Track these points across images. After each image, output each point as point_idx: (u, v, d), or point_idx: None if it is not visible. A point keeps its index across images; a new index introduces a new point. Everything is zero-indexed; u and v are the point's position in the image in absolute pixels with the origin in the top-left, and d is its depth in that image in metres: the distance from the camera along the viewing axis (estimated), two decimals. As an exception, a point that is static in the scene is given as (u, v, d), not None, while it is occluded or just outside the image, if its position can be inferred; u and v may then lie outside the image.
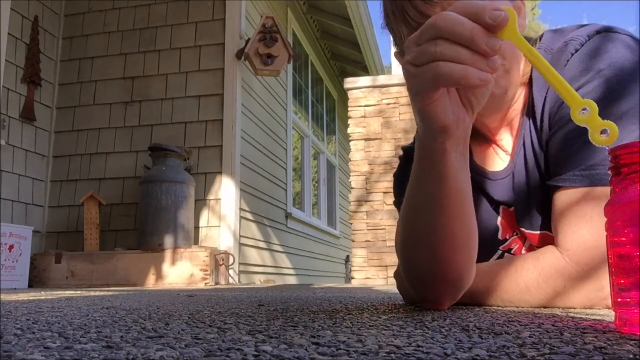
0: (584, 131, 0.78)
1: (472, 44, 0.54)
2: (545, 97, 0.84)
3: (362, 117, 4.71)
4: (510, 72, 0.83)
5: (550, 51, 0.86)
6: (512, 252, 0.95)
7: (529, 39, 0.91)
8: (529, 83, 0.88)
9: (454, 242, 0.72)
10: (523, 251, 0.93)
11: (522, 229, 0.90)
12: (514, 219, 0.91)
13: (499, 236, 0.95)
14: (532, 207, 0.88)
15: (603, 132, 0.49)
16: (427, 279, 0.78)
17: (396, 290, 1.10)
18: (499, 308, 0.82)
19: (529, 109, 0.88)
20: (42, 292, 2.21)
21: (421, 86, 0.59)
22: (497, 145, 0.95)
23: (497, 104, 0.86)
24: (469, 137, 0.68)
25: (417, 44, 0.58)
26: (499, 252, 0.96)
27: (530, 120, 0.87)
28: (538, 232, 0.88)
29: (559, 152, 0.81)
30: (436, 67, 0.56)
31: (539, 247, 0.86)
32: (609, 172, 0.51)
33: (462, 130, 0.65)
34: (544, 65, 0.52)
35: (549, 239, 0.84)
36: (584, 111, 0.50)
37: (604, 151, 0.75)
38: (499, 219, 0.94)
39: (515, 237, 0.94)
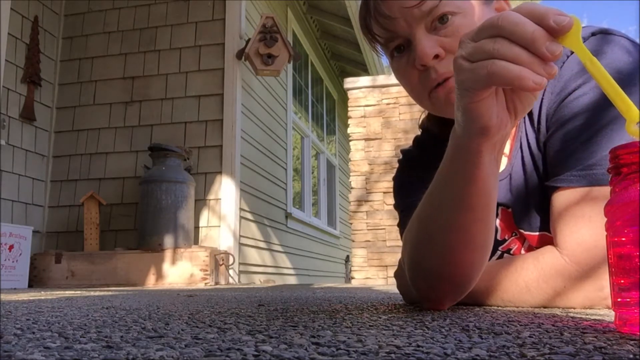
0: (581, 132, 0.79)
1: (533, 45, 0.52)
2: (542, 98, 0.84)
3: (362, 117, 4.71)
4: None
5: None
6: (511, 252, 0.95)
7: None
8: None
9: (471, 244, 0.72)
10: (522, 252, 0.93)
11: (521, 231, 0.90)
12: (512, 220, 0.91)
13: (498, 237, 0.95)
14: (531, 208, 0.88)
15: None
16: (434, 278, 0.78)
17: (396, 290, 1.10)
18: (499, 308, 0.82)
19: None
20: (42, 292, 2.21)
21: (472, 83, 0.57)
22: None
23: None
24: (505, 144, 0.67)
25: (474, 40, 0.56)
26: (499, 252, 0.96)
27: (528, 122, 0.87)
28: (537, 233, 0.88)
29: (556, 152, 0.81)
30: (492, 64, 0.54)
31: (539, 248, 0.86)
32: (609, 172, 0.51)
33: (501, 136, 0.64)
34: (603, 76, 0.50)
35: (548, 240, 0.84)
36: None
37: (602, 151, 0.76)
38: (497, 220, 0.94)
39: (514, 237, 0.94)
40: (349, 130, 4.74)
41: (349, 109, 4.77)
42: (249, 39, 4.37)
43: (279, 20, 4.70)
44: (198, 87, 4.39)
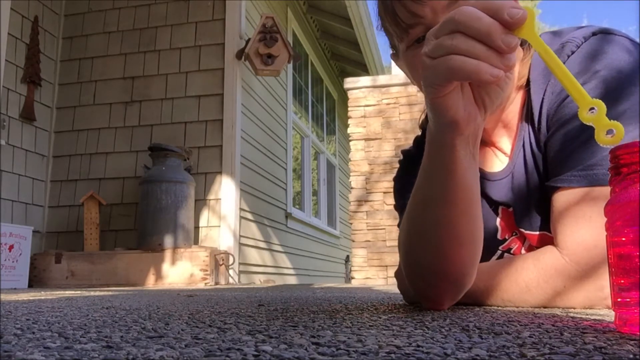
0: (581, 132, 0.79)
1: (488, 39, 0.54)
2: (543, 98, 0.84)
3: (362, 117, 4.71)
4: (512, 78, 0.82)
5: None
6: (511, 252, 0.95)
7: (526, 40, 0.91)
8: (527, 85, 0.88)
9: (459, 239, 0.73)
10: (523, 251, 0.93)
11: (522, 230, 0.91)
12: (513, 220, 0.92)
13: (499, 236, 0.95)
14: (532, 208, 0.88)
15: (609, 132, 0.49)
16: (429, 276, 0.78)
17: (396, 290, 1.10)
18: (499, 308, 0.82)
19: (527, 111, 0.88)
20: (42, 292, 2.21)
21: (434, 78, 0.59)
22: (496, 148, 0.95)
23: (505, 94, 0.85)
24: (480, 139, 0.68)
25: (436, 37, 0.58)
26: (499, 252, 0.96)
27: (529, 122, 0.87)
28: (537, 232, 0.88)
29: (557, 152, 0.81)
30: (450, 60, 0.56)
31: (539, 247, 0.87)
32: (609, 172, 0.51)
33: (473, 129, 0.65)
34: (557, 64, 0.52)
35: (548, 239, 0.84)
36: (592, 111, 0.50)
37: (603, 151, 0.76)
38: (498, 219, 0.94)
39: (514, 237, 0.94)
40: (349, 130, 4.74)
41: (349, 109, 4.77)
42: (249, 39, 4.37)
43: (279, 20, 4.70)
44: (198, 87, 4.39)
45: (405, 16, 0.80)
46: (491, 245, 0.95)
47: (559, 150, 0.81)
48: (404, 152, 1.09)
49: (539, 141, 0.86)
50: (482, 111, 0.64)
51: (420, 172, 0.73)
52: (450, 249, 0.73)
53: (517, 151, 0.89)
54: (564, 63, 0.81)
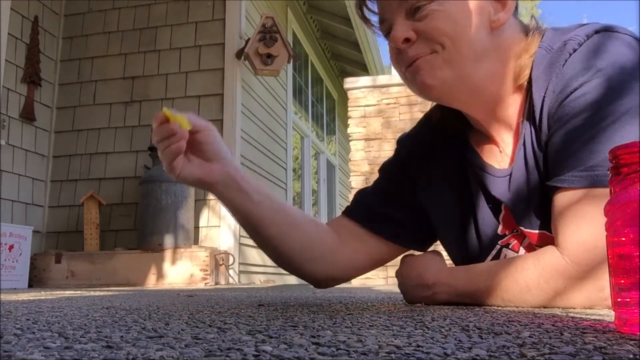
0: (583, 132, 0.79)
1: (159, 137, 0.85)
2: (544, 98, 0.84)
3: (362, 117, 4.71)
4: (451, 61, 0.86)
5: (551, 50, 0.86)
6: (510, 247, 0.95)
7: (530, 29, 0.91)
8: (529, 84, 0.88)
9: (276, 245, 0.99)
10: (521, 248, 0.93)
11: (522, 228, 0.91)
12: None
13: (499, 231, 0.95)
14: (531, 207, 0.88)
15: None
16: (283, 266, 1.06)
17: (396, 290, 1.10)
18: (499, 308, 0.82)
19: (529, 110, 0.88)
20: (42, 292, 2.21)
21: (164, 163, 0.86)
22: (499, 146, 0.96)
23: (455, 90, 0.89)
24: (239, 176, 0.91)
25: (156, 142, 0.86)
26: (498, 246, 0.96)
27: (530, 121, 0.87)
28: (537, 231, 0.88)
29: (558, 152, 0.81)
30: (162, 149, 0.85)
31: (539, 246, 0.87)
32: (609, 172, 0.51)
33: (221, 176, 0.88)
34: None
35: (547, 238, 0.84)
36: None
37: (604, 152, 0.76)
38: (500, 216, 0.94)
39: (514, 234, 0.94)
40: (349, 130, 4.74)
41: (349, 109, 4.77)
42: (249, 39, 4.37)
43: (279, 20, 4.70)
44: (198, 87, 4.39)
45: (371, 17, 0.95)
46: (491, 240, 0.96)
47: (560, 150, 0.81)
48: (398, 140, 1.17)
49: (540, 140, 0.86)
50: (215, 162, 0.88)
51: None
52: (280, 255, 1.01)
53: (518, 150, 0.89)
54: (566, 61, 0.82)
